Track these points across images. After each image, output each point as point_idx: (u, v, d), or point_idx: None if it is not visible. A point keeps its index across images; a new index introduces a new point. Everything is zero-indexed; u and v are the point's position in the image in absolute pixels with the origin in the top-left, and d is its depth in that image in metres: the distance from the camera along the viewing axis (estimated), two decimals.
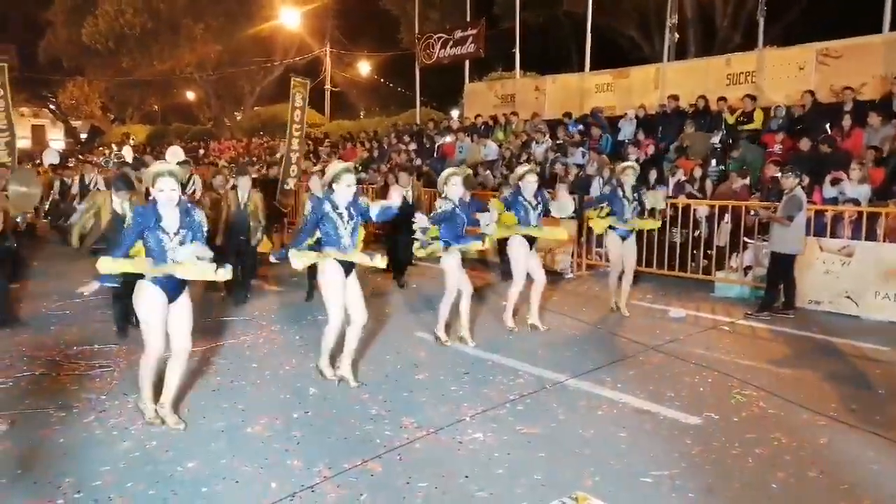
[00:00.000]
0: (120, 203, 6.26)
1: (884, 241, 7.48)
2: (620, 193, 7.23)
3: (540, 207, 6.55)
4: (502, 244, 7.41)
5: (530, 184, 6.47)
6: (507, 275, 9.61)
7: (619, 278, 7.48)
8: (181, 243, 4.11)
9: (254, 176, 10.79)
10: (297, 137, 11.95)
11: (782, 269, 7.35)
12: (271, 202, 10.08)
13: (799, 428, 4.37)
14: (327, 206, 4.83)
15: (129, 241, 4.12)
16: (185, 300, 4.28)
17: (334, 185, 4.84)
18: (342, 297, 4.91)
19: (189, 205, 4.28)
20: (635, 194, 7.28)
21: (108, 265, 4.05)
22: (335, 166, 4.94)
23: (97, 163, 16.03)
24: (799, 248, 7.30)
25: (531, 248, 6.55)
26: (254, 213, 7.79)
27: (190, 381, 5.21)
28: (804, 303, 7.65)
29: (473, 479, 3.64)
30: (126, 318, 6.37)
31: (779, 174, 7.82)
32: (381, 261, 5.02)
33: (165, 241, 4.10)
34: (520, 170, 6.70)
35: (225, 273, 4.22)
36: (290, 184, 12.01)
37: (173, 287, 4.19)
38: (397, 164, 11.34)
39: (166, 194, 4.07)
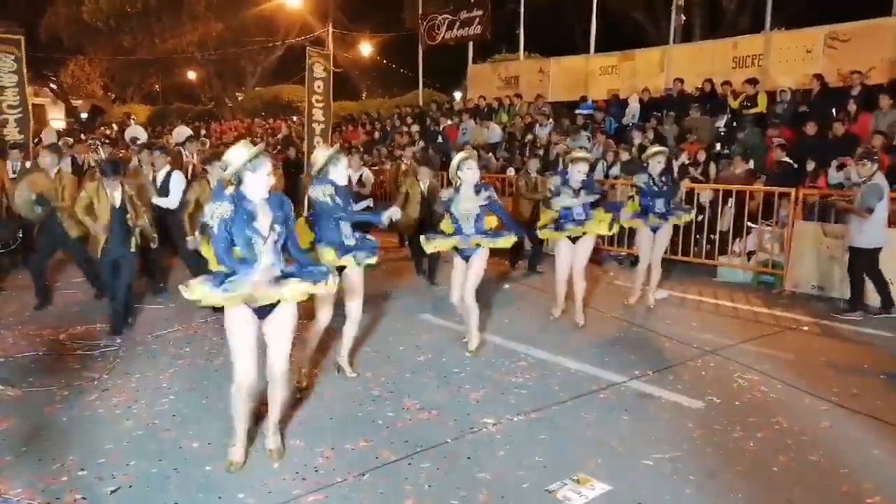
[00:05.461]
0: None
1: (888, 227, 7.43)
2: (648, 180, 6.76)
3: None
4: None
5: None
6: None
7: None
8: None
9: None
10: (319, 108, 11.62)
11: (865, 264, 6.69)
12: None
13: (800, 412, 4.37)
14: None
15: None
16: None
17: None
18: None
19: None
20: (663, 178, 6.69)
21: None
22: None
23: (90, 144, 15.79)
24: (879, 240, 6.62)
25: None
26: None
27: (190, 360, 5.24)
28: (806, 288, 7.63)
29: (475, 461, 3.65)
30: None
31: (851, 163, 7.36)
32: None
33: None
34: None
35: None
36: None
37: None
38: (416, 157, 10.53)
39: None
